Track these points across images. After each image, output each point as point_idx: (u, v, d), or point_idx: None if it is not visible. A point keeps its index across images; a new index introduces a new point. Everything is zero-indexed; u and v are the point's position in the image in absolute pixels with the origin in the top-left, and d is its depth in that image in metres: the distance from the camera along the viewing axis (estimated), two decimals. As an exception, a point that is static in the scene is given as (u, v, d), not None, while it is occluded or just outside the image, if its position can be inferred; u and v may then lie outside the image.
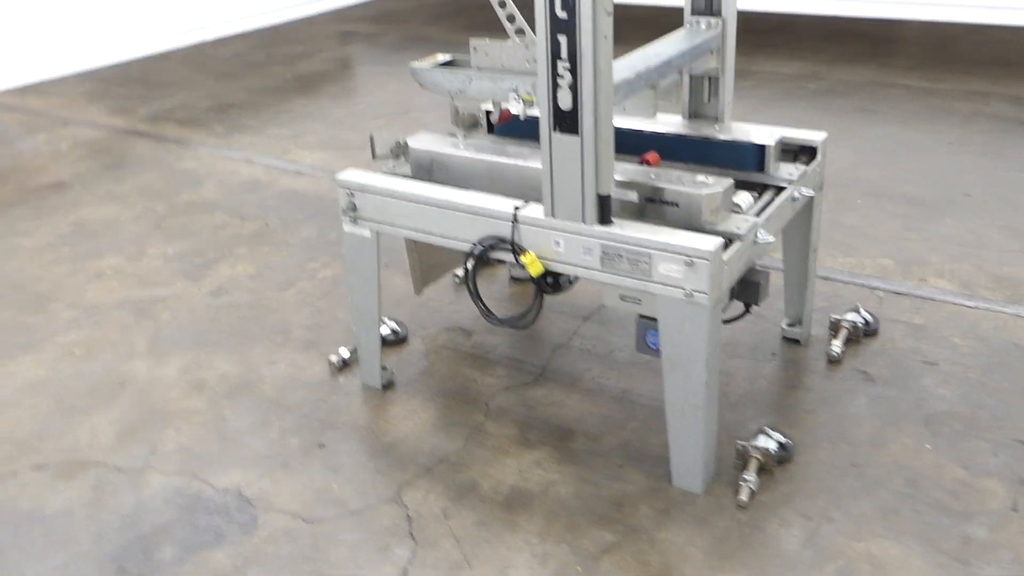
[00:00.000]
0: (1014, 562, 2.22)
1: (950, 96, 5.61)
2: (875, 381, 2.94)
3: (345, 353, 3.21)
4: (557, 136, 2.31)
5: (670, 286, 2.30)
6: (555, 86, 2.25)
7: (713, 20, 2.84)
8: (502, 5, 2.67)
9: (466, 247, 2.61)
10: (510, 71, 2.70)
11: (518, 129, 2.98)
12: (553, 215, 2.42)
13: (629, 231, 2.34)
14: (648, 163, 2.68)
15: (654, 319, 2.39)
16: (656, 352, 2.43)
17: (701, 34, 2.82)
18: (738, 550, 2.31)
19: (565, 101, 2.26)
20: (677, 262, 2.27)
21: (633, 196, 2.46)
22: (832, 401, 2.86)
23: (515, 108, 2.72)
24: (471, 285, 2.66)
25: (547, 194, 2.41)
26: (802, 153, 2.90)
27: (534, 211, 2.48)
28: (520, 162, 2.67)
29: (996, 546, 2.27)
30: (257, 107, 6.34)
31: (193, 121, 6.09)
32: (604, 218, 2.36)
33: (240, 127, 5.92)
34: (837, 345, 3.07)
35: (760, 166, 2.73)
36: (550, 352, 3.22)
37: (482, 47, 2.76)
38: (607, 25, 2.16)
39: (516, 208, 2.49)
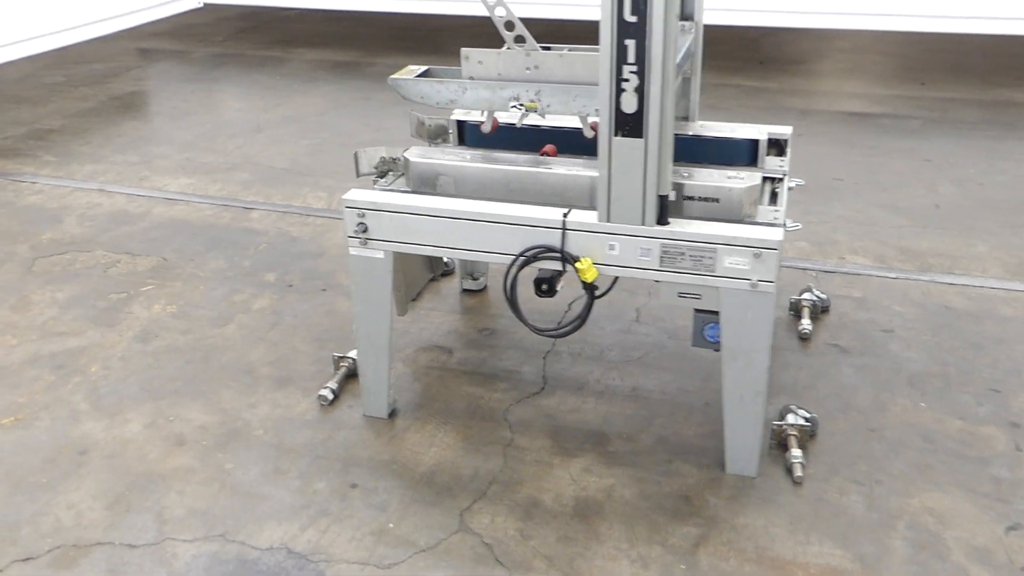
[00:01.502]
0: (1039, 494, 2.53)
1: (781, 94, 6.16)
2: (850, 352, 3.19)
3: (333, 384, 3.01)
4: (619, 140, 2.32)
5: (735, 278, 2.38)
6: (619, 91, 2.26)
7: (687, 24, 2.96)
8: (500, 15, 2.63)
9: (505, 260, 2.54)
10: (508, 79, 2.67)
11: (501, 138, 2.93)
12: (608, 219, 2.42)
13: (691, 228, 2.39)
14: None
15: (714, 312, 2.46)
16: (714, 345, 2.50)
17: (681, 38, 2.92)
18: (817, 523, 2.44)
19: (630, 105, 2.26)
20: (744, 255, 2.35)
21: (672, 194, 2.51)
22: (823, 375, 3.07)
23: (513, 117, 2.69)
24: (511, 296, 2.59)
25: (603, 198, 2.40)
26: (770, 146, 3.10)
27: (581, 216, 2.47)
28: (544, 169, 2.64)
29: (1021, 483, 2.56)
30: (83, 132, 5.71)
31: (12, 151, 5.38)
32: (663, 218, 2.40)
33: (75, 155, 5.31)
34: (806, 323, 3.30)
35: (753, 160, 2.89)
36: (541, 360, 3.19)
37: (475, 56, 2.71)
38: (675, 28, 2.20)
39: (564, 215, 2.47)
